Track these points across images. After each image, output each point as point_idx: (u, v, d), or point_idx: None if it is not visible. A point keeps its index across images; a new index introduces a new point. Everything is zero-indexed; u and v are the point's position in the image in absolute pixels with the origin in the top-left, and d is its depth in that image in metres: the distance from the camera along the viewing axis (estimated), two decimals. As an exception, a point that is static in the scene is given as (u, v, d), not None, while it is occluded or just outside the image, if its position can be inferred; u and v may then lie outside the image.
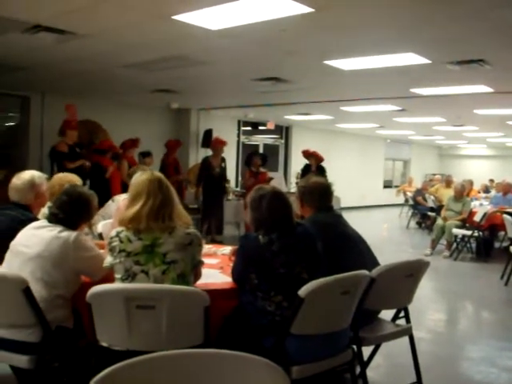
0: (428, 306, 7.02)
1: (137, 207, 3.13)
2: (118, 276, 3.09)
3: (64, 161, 8.95)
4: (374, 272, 3.53)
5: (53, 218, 3.35)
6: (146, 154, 10.62)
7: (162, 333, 2.84)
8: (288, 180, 16.42)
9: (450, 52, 6.57)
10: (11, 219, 3.71)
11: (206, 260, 3.43)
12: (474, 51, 6.49)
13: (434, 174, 21.36)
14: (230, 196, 11.75)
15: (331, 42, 6.31)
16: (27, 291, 2.99)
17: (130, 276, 3.04)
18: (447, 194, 12.27)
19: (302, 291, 2.96)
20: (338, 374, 3.99)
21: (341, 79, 8.54)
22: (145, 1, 4.99)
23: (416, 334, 4.02)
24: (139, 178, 3.33)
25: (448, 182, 14.44)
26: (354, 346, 3.52)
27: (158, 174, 3.32)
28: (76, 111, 9.80)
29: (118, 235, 3.11)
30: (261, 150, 16.62)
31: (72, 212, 3.36)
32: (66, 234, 3.25)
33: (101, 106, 11.99)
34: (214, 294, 3.04)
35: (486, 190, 15.99)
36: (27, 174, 4.01)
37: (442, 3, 4.77)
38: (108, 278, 3.22)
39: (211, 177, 10.80)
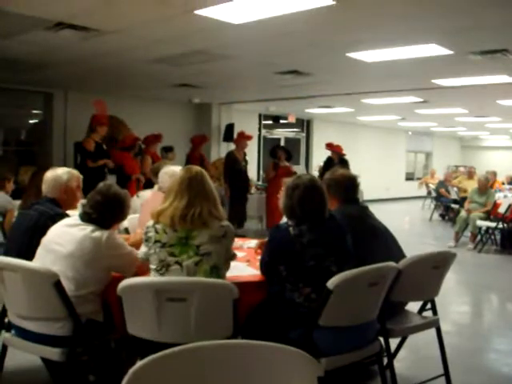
0: (453, 298, 6.98)
1: (165, 205, 3.20)
2: (152, 267, 3.15)
3: (87, 159, 9.00)
4: (401, 264, 3.53)
5: (85, 217, 3.37)
6: (168, 149, 10.66)
7: (192, 325, 2.87)
8: (310, 173, 16.39)
9: (472, 42, 6.50)
10: (40, 214, 3.75)
11: (232, 253, 3.45)
12: (498, 41, 6.42)
13: (457, 166, 21.23)
14: (253, 190, 11.74)
15: (353, 34, 6.28)
16: (58, 285, 3.03)
17: (164, 267, 3.09)
18: (470, 186, 12.18)
19: (331, 283, 2.97)
20: (365, 365, 4.00)
21: (362, 71, 8.50)
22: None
23: (442, 326, 3.99)
24: (178, 173, 3.38)
25: (470, 174, 14.34)
26: (381, 338, 3.53)
27: (194, 171, 3.32)
28: (105, 106, 9.80)
29: (154, 226, 3.17)
30: (282, 144, 16.58)
31: (105, 212, 3.38)
32: (98, 233, 3.27)
33: (123, 101, 12.05)
34: (243, 286, 3.05)
35: (511, 181, 15.78)
36: (58, 170, 4.04)
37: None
38: (141, 272, 3.26)
39: (237, 171, 10.81)
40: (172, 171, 4.89)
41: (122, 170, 9.63)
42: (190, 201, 3.16)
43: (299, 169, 14.02)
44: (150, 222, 3.22)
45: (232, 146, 11.84)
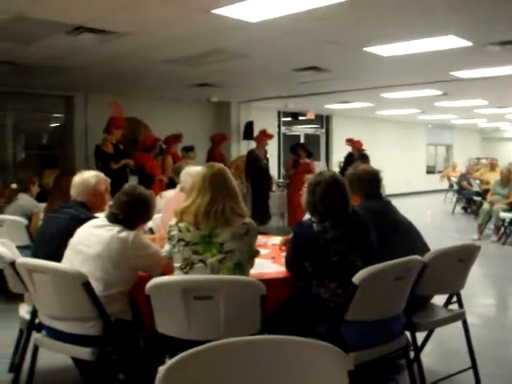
0: (478, 291, 6.94)
1: (188, 202, 3.23)
2: (176, 265, 3.18)
3: (109, 161, 9.08)
4: (426, 257, 3.53)
5: (112, 218, 3.42)
6: (189, 149, 10.70)
7: (220, 322, 2.90)
8: (330, 169, 16.37)
9: (491, 33, 6.46)
10: (71, 217, 3.80)
11: (257, 250, 3.47)
12: (516, 31, 6.38)
13: (479, 158, 21.04)
14: (274, 187, 11.75)
15: (370, 29, 6.27)
16: (87, 285, 3.07)
17: (188, 265, 3.12)
18: (492, 178, 12.08)
19: (356, 278, 2.98)
20: (392, 359, 4.00)
21: (381, 66, 8.48)
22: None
23: (468, 319, 3.98)
24: (200, 171, 3.42)
25: (492, 166, 14.22)
26: (408, 332, 3.53)
27: (216, 168, 3.36)
28: (121, 108, 9.87)
29: (177, 224, 3.20)
30: (302, 140, 16.58)
31: (131, 212, 3.42)
32: (124, 234, 3.31)
33: (142, 102, 12.13)
34: (269, 283, 3.07)
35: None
36: (86, 174, 4.09)
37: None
38: (166, 271, 3.30)
39: (259, 169, 10.84)
40: (193, 171, 4.91)
41: (143, 171, 9.71)
42: (213, 197, 3.18)
43: (319, 165, 13.99)
44: (173, 221, 3.25)
45: (252, 144, 11.85)
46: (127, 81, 10.17)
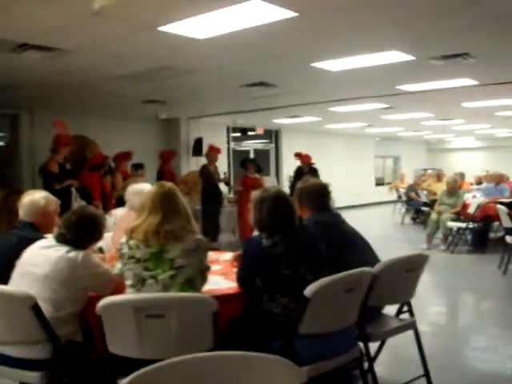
0: (428, 299, 7.06)
1: (139, 221, 3.22)
2: (128, 283, 3.15)
3: (53, 182, 8.87)
4: (376, 268, 3.58)
5: (61, 238, 3.36)
6: (138, 166, 10.63)
7: (173, 340, 2.88)
8: (280, 183, 16.47)
9: (433, 47, 6.61)
10: (19, 238, 3.71)
11: (208, 267, 3.46)
12: (458, 45, 6.53)
13: (425, 169, 21.44)
14: (225, 203, 11.77)
15: (317, 44, 6.35)
16: (35, 307, 3.01)
17: (139, 282, 3.10)
18: (439, 188, 12.34)
19: (308, 291, 2.99)
20: (346, 370, 4.02)
21: (328, 80, 8.59)
22: (131, 13, 5.01)
23: (419, 327, 4.05)
24: (150, 189, 3.42)
25: (439, 176, 14.52)
26: (361, 343, 3.57)
27: (166, 188, 3.35)
28: (65, 125, 9.71)
29: (127, 242, 3.18)
30: (251, 156, 16.62)
31: (81, 233, 3.37)
32: (73, 254, 3.26)
33: (91, 119, 11.98)
34: (220, 299, 3.06)
35: (480, 182, 15.93)
36: (35, 194, 4.02)
37: (421, 1, 4.83)
38: (118, 289, 3.26)
39: (211, 184, 10.87)
40: (137, 189, 4.89)
41: (85, 190, 9.59)
42: (164, 217, 3.18)
43: (270, 180, 14.10)
44: (124, 239, 3.23)
45: (201, 161, 11.86)
46: (74, 98, 10.04)
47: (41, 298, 3.10)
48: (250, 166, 11.24)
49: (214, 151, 11.18)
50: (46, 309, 3.11)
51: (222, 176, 11.45)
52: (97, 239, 3.62)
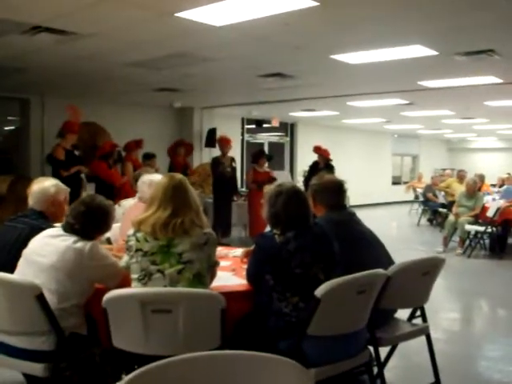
0: (443, 305, 7.03)
1: (148, 213, 3.23)
2: (134, 276, 3.16)
3: (59, 169, 8.94)
4: (390, 270, 3.57)
5: (68, 228, 3.38)
6: (149, 156, 10.64)
7: (179, 337, 2.89)
8: (294, 178, 16.43)
9: (457, 43, 6.58)
10: (31, 228, 3.72)
11: (218, 262, 3.47)
12: (483, 41, 6.50)
13: (444, 169, 21.33)
14: (236, 197, 11.71)
15: (337, 35, 6.34)
16: (41, 298, 3.03)
17: (146, 276, 3.11)
18: (459, 189, 12.23)
19: (319, 291, 3.00)
20: (355, 375, 4.02)
21: (347, 73, 8.57)
22: (148, -1, 5.03)
23: (432, 333, 4.04)
24: (160, 181, 3.42)
25: (461, 177, 14.31)
26: (371, 347, 3.56)
27: (177, 180, 3.36)
28: (79, 112, 9.79)
29: (134, 234, 3.20)
30: (266, 149, 16.60)
31: (89, 223, 3.39)
32: (80, 244, 3.28)
33: (102, 107, 12.05)
34: (229, 296, 3.07)
35: (503, 184, 15.73)
36: (45, 182, 4.04)
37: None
38: (124, 282, 3.28)
39: (222, 177, 10.85)
40: (150, 180, 4.90)
41: (99, 179, 9.65)
42: (174, 211, 3.19)
43: (283, 174, 14.06)
44: (131, 231, 3.24)
45: (214, 152, 11.83)
46: (86, 84, 10.08)
47: (46, 288, 3.13)
48: (262, 159, 11.17)
49: (224, 142, 11.13)
50: (50, 299, 3.13)
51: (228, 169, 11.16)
52: (105, 230, 3.65)
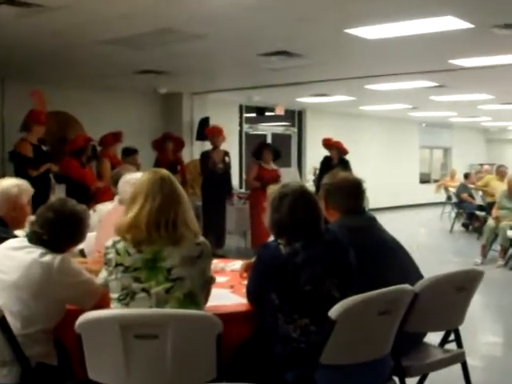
0: (481, 326, 7.03)
1: (134, 211, 3.19)
2: (114, 296, 3.14)
3: (27, 168, 8.90)
4: (418, 286, 3.57)
5: (34, 238, 3.36)
6: (130, 151, 10.63)
7: (167, 367, 2.88)
8: (303, 177, 16.44)
9: (496, 13, 6.57)
10: None
11: (213, 277, 3.48)
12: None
13: (482, 164, 21.30)
14: (234, 199, 11.69)
15: (353, 5, 6.32)
16: (2, 322, 3.03)
17: (128, 295, 3.10)
18: (499, 188, 12.20)
19: (333, 312, 2.99)
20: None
21: (365, 51, 8.58)
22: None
23: (468, 361, 4.03)
24: (142, 177, 3.42)
25: (502, 174, 14.25)
26: (396, 378, 3.56)
27: (162, 173, 3.37)
28: (44, 99, 9.77)
29: (114, 246, 3.18)
30: (269, 141, 16.59)
31: (58, 233, 3.38)
32: (49, 257, 3.26)
33: (73, 93, 12.03)
34: (226, 318, 3.06)
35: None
36: (6, 182, 4.04)
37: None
38: (102, 302, 3.28)
39: (213, 175, 10.83)
40: (135, 179, 4.89)
41: (71, 180, 9.65)
42: (164, 205, 3.18)
43: (290, 172, 14.02)
44: (110, 241, 3.22)
45: (208, 146, 11.82)
46: (54, 66, 10.08)
47: (7, 311, 3.12)
48: (267, 154, 11.09)
49: (215, 132, 11.14)
50: (13, 324, 3.12)
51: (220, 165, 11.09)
52: (78, 241, 3.64)
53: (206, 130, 11.49)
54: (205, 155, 11.10)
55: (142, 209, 3.18)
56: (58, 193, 9.39)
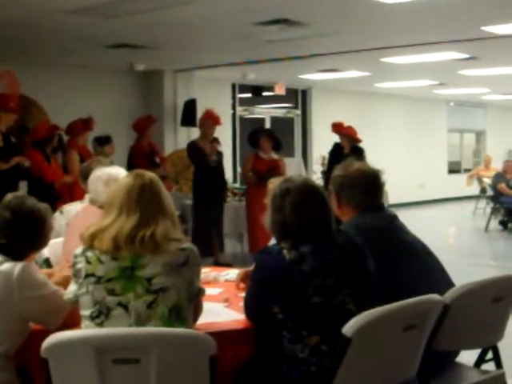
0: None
1: (105, 222, 3.19)
2: (85, 313, 3.12)
3: None
4: (448, 296, 3.57)
5: None
6: (103, 141, 10.61)
7: (151, 397, 2.89)
8: (309, 168, 16.45)
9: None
10: None
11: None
12: None
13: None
14: (228, 196, 11.66)
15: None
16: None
17: (101, 312, 3.07)
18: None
19: (348, 328, 2.99)
20: None
21: (381, 16, 8.58)
22: None
23: (510, 383, 4.05)
24: (121, 180, 3.42)
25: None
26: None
27: (145, 178, 3.32)
28: (16, 82, 9.73)
29: (84, 254, 3.16)
30: (267, 126, 16.58)
31: (16, 236, 3.38)
32: (7, 266, 3.26)
33: (34, 72, 12.00)
34: (221, 337, 3.08)
35: None
36: None
37: None
38: (71, 321, 3.27)
39: (205, 168, 10.75)
40: (107, 175, 4.88)
41: (31, 176, 9.63)
42: (142, 219, 3.16)
43: (294, 163, 14.04)
44: (80, 249, 3.21)
45: (194, 133, 11.78)
46: (11, 40, 10.08)
47: (-39, 332, 3.13)
48: (265, 141, 10.96)
49: (209, 119, 11.01)
50: (-33, 346, 3.14)
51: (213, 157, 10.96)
52: (39, 245, 3.63)
53: (201, 118, 11.37)
54: (194, 146, 10.99)
55: (112, 224, 3.16)
56: (21, 190, 9.38)
